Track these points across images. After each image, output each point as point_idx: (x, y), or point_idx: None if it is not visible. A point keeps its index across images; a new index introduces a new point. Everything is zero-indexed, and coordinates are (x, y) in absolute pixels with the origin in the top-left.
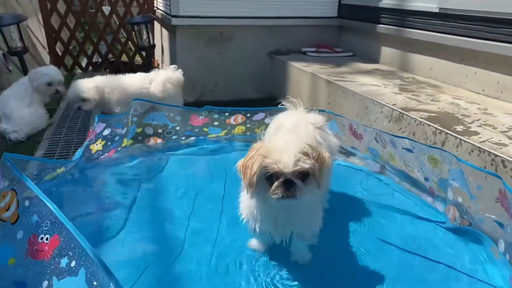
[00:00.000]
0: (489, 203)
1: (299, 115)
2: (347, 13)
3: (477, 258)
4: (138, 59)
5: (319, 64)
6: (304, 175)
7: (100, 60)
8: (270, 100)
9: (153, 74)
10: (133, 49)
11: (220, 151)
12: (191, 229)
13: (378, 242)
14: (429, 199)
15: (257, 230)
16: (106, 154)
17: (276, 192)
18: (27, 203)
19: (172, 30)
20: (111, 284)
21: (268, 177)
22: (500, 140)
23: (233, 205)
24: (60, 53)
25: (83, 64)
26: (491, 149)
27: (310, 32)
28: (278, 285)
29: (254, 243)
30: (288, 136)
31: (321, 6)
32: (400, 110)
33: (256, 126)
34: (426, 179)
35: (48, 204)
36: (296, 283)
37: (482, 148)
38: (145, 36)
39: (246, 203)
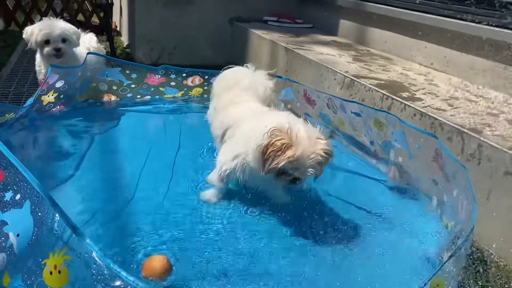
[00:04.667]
0: (426, 163)
1: (250, 73)
2: None
3: (412, 212)
4: (95, 20)
5: (279, 33)
6: None
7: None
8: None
9: None
10: (90, 10)
11: (176, 111)
12: (142, 179)
13: (325, 195)
14: (373, 161)
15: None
16: (58, 107)
17: (282, 181)
18: None
19: None
20: (56, 215)
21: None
22: (440, 106)
23: (185, 161)
24: (11, 8)
25: (36, 21)
26: (432, 113)
27: (272, 2)
28: (229, 230)
29: (208, 193)
30: (310, 134)
31: None
32: (352, 77)
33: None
34: (372, 142)
35: None
36: (243, 228)
37: (424, 112)
38: None
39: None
